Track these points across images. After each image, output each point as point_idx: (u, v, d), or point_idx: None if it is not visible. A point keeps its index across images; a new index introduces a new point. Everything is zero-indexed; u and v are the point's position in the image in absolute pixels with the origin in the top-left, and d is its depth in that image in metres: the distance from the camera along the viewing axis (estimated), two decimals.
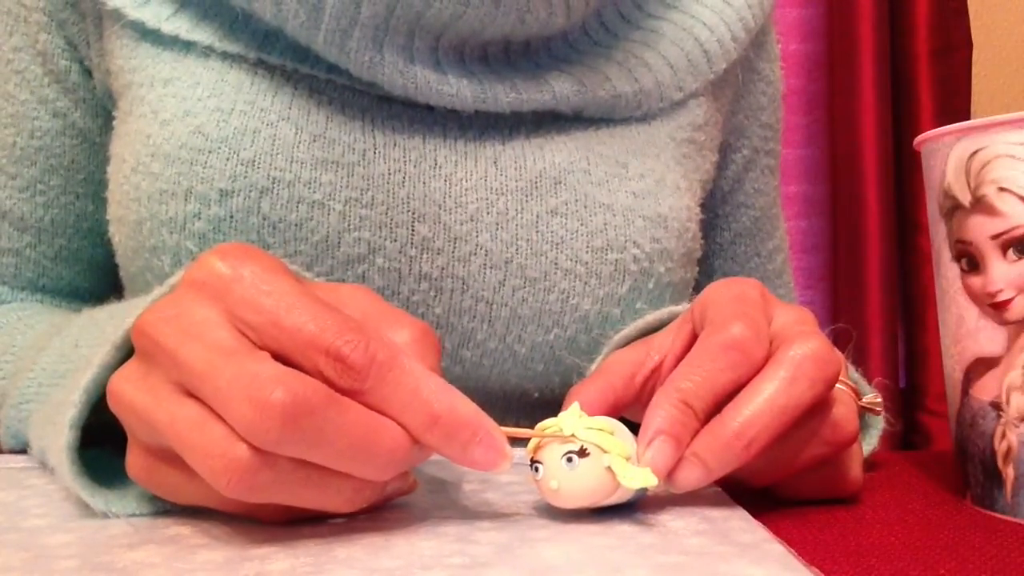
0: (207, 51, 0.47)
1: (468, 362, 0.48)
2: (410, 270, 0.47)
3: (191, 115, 0.46)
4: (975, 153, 0.35)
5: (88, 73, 0.52)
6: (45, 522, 0.31)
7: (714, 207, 0.61)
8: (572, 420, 0.31)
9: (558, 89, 0.49)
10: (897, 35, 1.38)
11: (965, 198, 0.36)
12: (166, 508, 0.32)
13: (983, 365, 0.36)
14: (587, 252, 0.48)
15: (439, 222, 0.47)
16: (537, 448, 0.32)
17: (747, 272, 0.63)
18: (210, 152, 0.44)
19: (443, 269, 0.47)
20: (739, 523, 0.31)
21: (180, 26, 0.47)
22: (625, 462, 0.31)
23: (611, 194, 0.49)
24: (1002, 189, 0.34)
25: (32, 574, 0.26)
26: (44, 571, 0.26)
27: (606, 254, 0.48)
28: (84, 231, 0.55)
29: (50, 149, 0.53)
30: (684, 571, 0.26)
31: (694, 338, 0.36)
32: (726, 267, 0.63)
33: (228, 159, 0.44)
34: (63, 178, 0.54)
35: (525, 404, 0.51)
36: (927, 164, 0.38)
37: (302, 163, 0.45)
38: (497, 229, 0.48)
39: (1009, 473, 0.35)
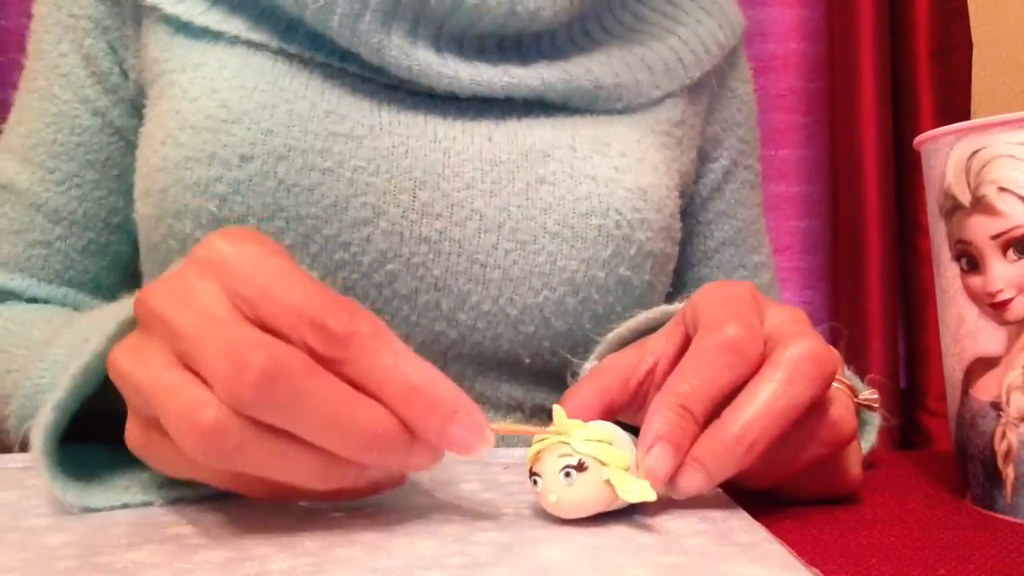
0: (234, 40, 0.52)
1: (463, 325, 0.52)
2: (411, 233, 0.51)
3: (217, 92, 0.50)
4: (975, 153, 0.35)
5: (126, 75, 0.57)
6: (45, 522, 0.31)
7: (695, 213, 0.65)
8: (571, 431, 0.31)
9: (547, 76, 0.54)
10: (897, 35, 1.38)
11: (965, 198, 0.36)
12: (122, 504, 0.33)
13: (983, 365, 0.36)
14: (573, 217, 0.52)
15: (438, 189, 0.51)
16: (535, 459, 0.31)
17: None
18: (233, 122, 0.49)
19: (441, 232, 0.51)
20: (739, 523, 0.31)
21: (212, 19, 0.52)
22: (625, 475, 0.30)
23: (595, 167, 0.53)
24: (1002, 189, 0.34)
25: (32, 574, 0.26)
26: (44, 571, 0.26)
27: (590, 219, 0.52)
28: (113, 226, 0.59)
29: (88, 145, 0.57)
30: (684, 571, 0.26)
31: (687, 340, 0.36)
32: (713, 275, 0.66)
33: (249, 128, 0.49)
34: (99, 173, 0.58)
35: (518, 371, 0.53)
36: (927, 164, 0.38)
37: (315, 134, 0.50)
38: (491, 196, 0.52)
39: (1009, 473, 0.35)
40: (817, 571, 0.26)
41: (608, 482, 0.30)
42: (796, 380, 0.32)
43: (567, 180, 0.53)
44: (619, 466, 0.30)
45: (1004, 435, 0.35)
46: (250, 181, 0.49)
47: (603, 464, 0.30)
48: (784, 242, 1.40)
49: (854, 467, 0.37)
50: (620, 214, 0.53)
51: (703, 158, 0.64)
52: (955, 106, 1.36)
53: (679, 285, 0.64)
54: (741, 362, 0.32)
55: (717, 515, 0.32)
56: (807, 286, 1.43)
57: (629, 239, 0.53)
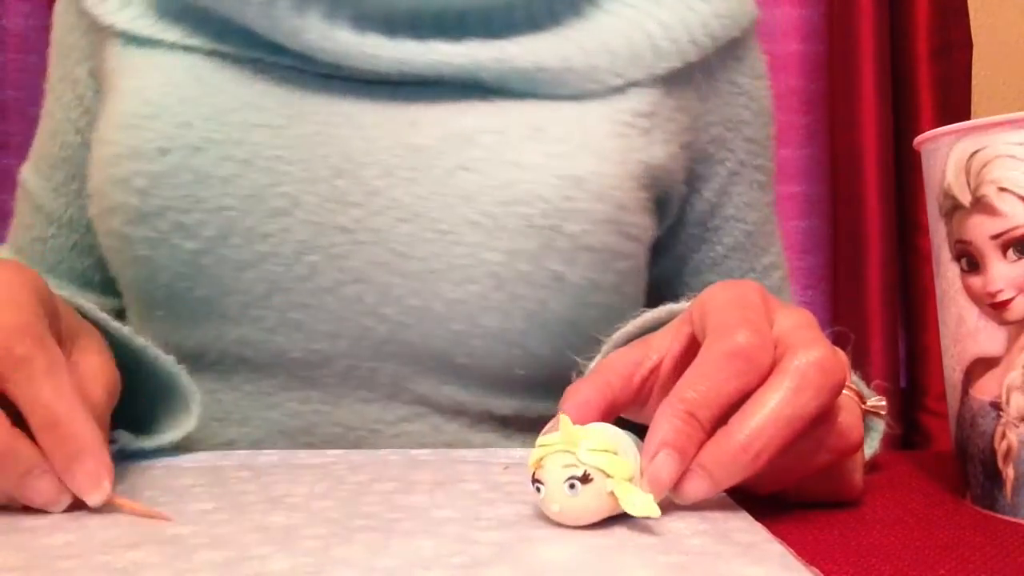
0: (172, 47, 0.54)
1: (391, 320, 0.50)
2: (330, 223, 0.50)
3: (144, 89, 0.52)
4: (975, 153, 0.35)
5: (97, 95, 0.60)
6: (45, 522, 0.31)
7: (704, 220, 0.61)
8: (576, 440, 0.31)
9: (477, 54, 0.51)
10: (897, 35, 1.38)
11: (965, 198, 0.36)
12: None
13: (983, 365, 0.36)
14: (494, 206, 0.49)
15: (356, 177, 0.50)
16: (538, 466, 0.31)
17: None
18: (154, 117, 0.50)
19: (359, 222, 0.50)
20: (739, 523, 0.31)
21: (156, 29, 0.54)
22: (629, 487, 0.30)
23: (523, 154, 0.50)
24: (1002, 189, 0.34)
25: (32, 574, 0.26)
26: (44, 571, 0.26)
27: (512, 208, 0.49)
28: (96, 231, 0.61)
29: (71, 160, 0.61)
30: (684, 571, 0.26)
31: (692, 340, 0.36)
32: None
33: (167, 122, 0.50)
34: (80, 183, 0.60)
35: (458, 372, 0.51)
36: (927, 164, 0.38)
37: (233, 125, 0.50)
38: (410, 183, 0.50)
39: (1009, 473, 0.35)
40: (817, 571, 0.26)
41: (612, 494, 0.30)
42: (804, 389, 0.31)
43: (489, 166, 0.50)
44: (624, 476, 0.30)
45: (1004, 435, 0.35)
46: (167, 174, 0.49)
47: (608, 476, 0.30)
48: (784, 242, 1.40)
49: (857, 474, 0.37)
50: (547, 202, 0.49)
51: (707, 161, 0.60)
52: (955, 106, 1.36)
53: (686, 291, 0.61)
54: (750, 370, 0.32)
55: (717, 515, 0.32)
56: (807, 286, 1.43)
57: (559, 230, 0.49)
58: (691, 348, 0.36)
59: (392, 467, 0.40)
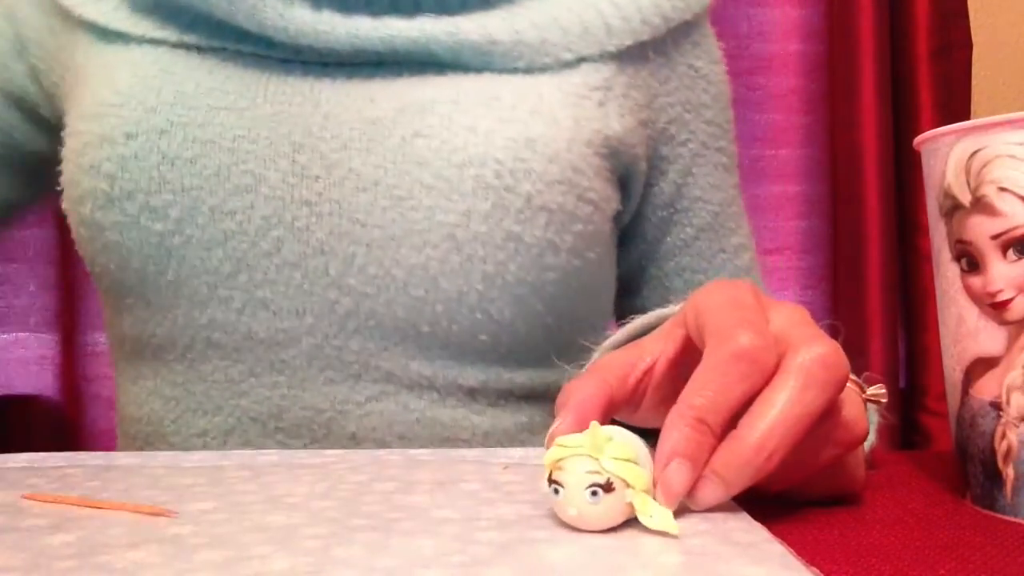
0: (141, 40, 0.55)
1: (355, 291, 0.52)
2: (292, 197, 0.52)
3: (112, 82, 0.54)
4: (975, 153, 0.35)
5: (39, 84, 0.62)
6: (45, 522, 0.31)
7: (671, 202, 0.63)
8: (602, 447, 0.30)
9: (429, 29, 0.53)
10: (897, 35, 1.38)
11: (965, 198, 0.36)
12: None
13: (983, 365, 0.36)
14: (448, 169, 0.51)
15: (316, 151, 0.52)
16: (556, 467, 0.30)
17: (714, 268, 0.65)
18: (121, 105, 0.53)
19: (320, 194, 0.52)
20: (739, 523, 0.31)
21: (126, 23, 0.56)
22: (647, 499, 0.30)
23: (476, 119, 0.52)
24: (1002, 189, 0.34)
25: (32, 574, 0.26)
26: (44, 571, 0.26)
27: (466, 169, 0.51)
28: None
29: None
30: (684, 571, 0.26)
31: (687, 342, 0.36)
32: (693, 264, 0.64)
33: (134, 109, 0.52)
34: None
35: (421, 343, 0.52)
36: (927, 164, 0.38)
37: (197, 109, 0.52)
38: (367, 154, 0.52)
39: (1009, 473, 0.35)
40: (817, 571, 0.26)
41: (630, 504, 0.30)
42: (810, 386, 0.31)
43: (443, 132, 0.52)
44: (642, 487, 0.30)
45: (1004, 435, 0.35)
46: (135, 157, 0.51)
47: (628, 486, 0.30)
48: (784, 242, 1.40)
49: (859, 467, 0.37)
50: (500, 163, 0.51)
51: (669, 142, 0.62)
52: (955, 106, 1.36)
53: (661, 275, 0.64)
54: (756, 371, 0.32)
55: (717, 515, 0.32)
56: (807, 286, 1.43)
57: (512, 190, 0.51)
58: (685, 350, 0.36)
59: (392, 467, 0.40)
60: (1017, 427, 0.35)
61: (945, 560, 0.30)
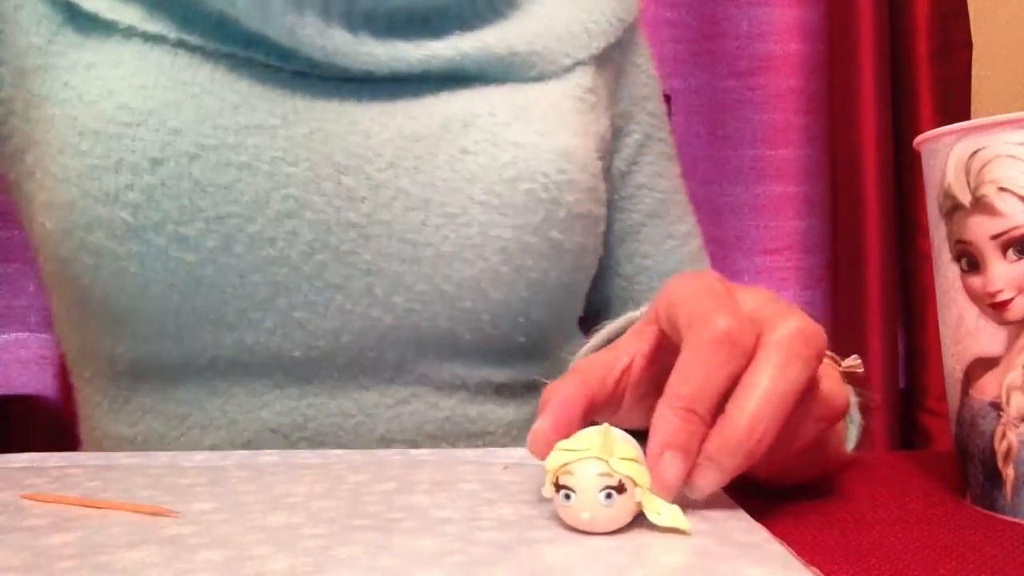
0: (128, 33, 0.50)
1: (400, 308, 0.51)
2: (338, 220, 0.50)
3: (115, 93, 0.48)
4: (975, 153, 0.35)
5: None
6: (45, 522, 0.31)
7: (617, 189, 0.66)
8: (613, 449, 0.30)
9: (462, 46, 0.54)
10: (897, 35, 1.38)
11: (965, 198, 0.36)
12: None
13: (983, 365, 0.36)
14: (500, 184, 0.52)
15: (361, 172, 0.51)
16: (565, 472, 0.30)
17: (663, 254, 0.67)
18: (138, 125, 0.47)
19: (368, 216, 0.50)
20: (739, 523, 0.31)
21: (103, 6, 0.50)
22: (654, 498, 0.30)
23: (517, 133, 0.53)
24: (1002, 189, 0.34)
25: (32, 574, 0.26)
26: (44, 571, 0.26)
27: (518, 185, 0.52)
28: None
29: None
30: (684, 571, 0.26)
31: (660, 337, 0.36)
32: (643, 249, 0.66)
33: (156, 130, 0.47)
34: None
35: (459, 348, 0.53)
36: (927, 164, 0.38)
37: (226, 129, 0.48)
38: (415, 173, 0.51)
39: (1009, 473, 0.35)
40: (817, 571, 0.26)
41: (638, 503, 0.30)
42: (792, 362, 0.31)
43: (491, 148, 0.52)
44: (646, 485, 0.30)
45: (1004, 435, 0.35)
46: (163, 185, 0.47)
47: (636, 486, 0.30)
48: (784, 242, 1.40)
49: (841, 444, 0.37)
50: (547, 177, 0.52)
51: (616, 133, 0.64)
52: (955, 106, 1.36)
53: (612, 262, 0.66)
54: (738, 353, 0.32)
55: (717, 515, 0.32)
56: (807, 286, 1.42)
57: (558, 201, 0.53)
58: (659, 346, 0.36)
59: (392, 467, 0.40)
60: (1017, 427, 0.35)
61: (945, 560, 0.30)
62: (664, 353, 0.35)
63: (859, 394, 0.43)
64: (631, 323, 0.43)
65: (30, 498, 0.34)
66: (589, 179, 0.55)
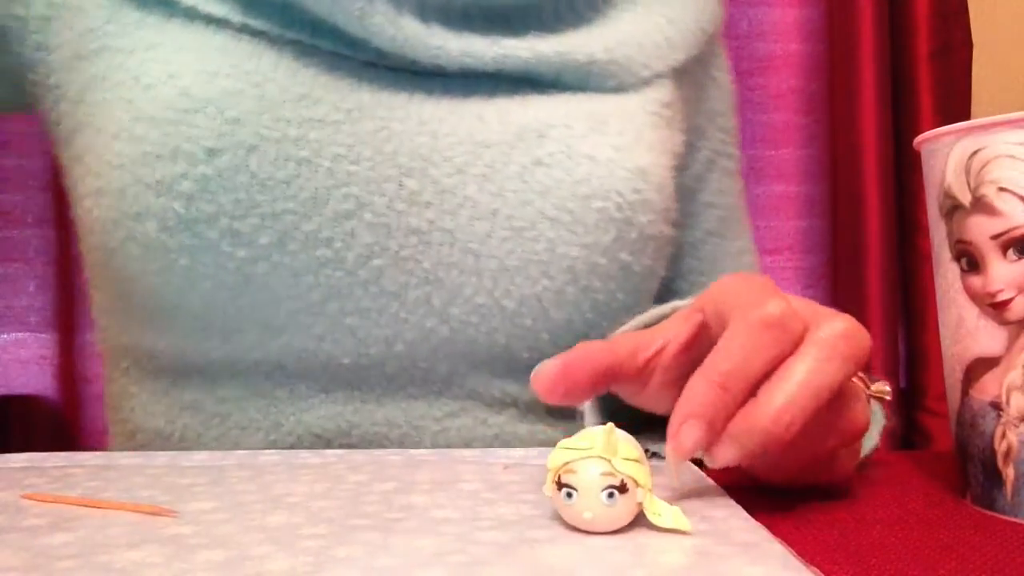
0: (190, 14, 0.48)
1: (456, 320, 0.49)
2: (399, 224, 0.47)
3: (176, 77, 0.46)
4: (975, 153, 0.35)
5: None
6: (45, 522, 0.31)
7: (682, 205, 0.62)
8: (616, 449, 0.30)
9: (539, 48, 0.51)
10: (897, 35, 1.38)
11: (965, 198, 0.36)
12: None
13: (983, 365, 0.36)
14: (572, 200, 0.49)
15: (427, 176, 0.48)
16: (567, 471, 0.30)
17: (718, 271, 0.64)
18: (196, 112, 0.45)
19: (432, 222, 0.48)
20: (739, 523, 0.31)
21: None
22: (657, 499, 0.30)
23: (593, 147, 0.50)
24: (1002, 189, 0.34)
25: (32, 574, 0.26)
26: (44, 571, 0.26)
27: (591, 202, 0.49)
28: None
29: None
30: (685, 571, 0.26)
31: (703, 327, 0.35)
32: (699, 267, 0.64)
33: (215, 118, 0.45)
34: None
35: (514, 366, 0.50)
36: (927, 164, 0.38)
37: (288, 121, 0.46)
38: (484, 181, 0.49)
39: (1009, 473, 0.35)
40: (817, 571, 0.26)
41: (639, 503, 0.30)
42: (833, 358, 0.31)
43: (565, 161, 0.49)
44: (648, 486, 0.30)
45: (1004, 435, 0.35)
46: (219, 176, 0.45)
47: (638, 486, 0.30)
48: (784, 242, 1.40)
49: (851, 460, 0.37)
50: (621, 196, 0.50)
51: (688, 149, 0.62)
52: (955, 106, 1.36)
53: (666, 278, 0.63)
54: (785, 338, 0.32)
55: (717, 515, 0.32)
56: (807, 286, 1.43)
57: (630, 222, 0.50)
58: (699, 335, 0.36)
59: (392, 467, 0.40)
60: (1017, 427, 0.35)
61: (945, 560, 0.30)
62: (702, 343, 0.35)
63: (887, 418, 0.44)
64: (675, 310, 0.42)
65: (30, 498, 0.34)
66: (663, 199, 0.52)
